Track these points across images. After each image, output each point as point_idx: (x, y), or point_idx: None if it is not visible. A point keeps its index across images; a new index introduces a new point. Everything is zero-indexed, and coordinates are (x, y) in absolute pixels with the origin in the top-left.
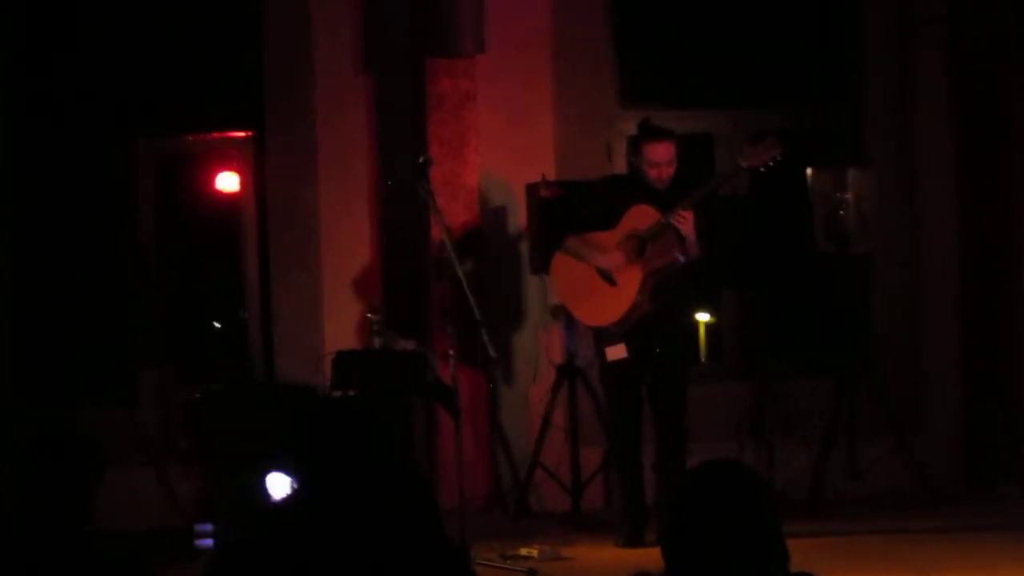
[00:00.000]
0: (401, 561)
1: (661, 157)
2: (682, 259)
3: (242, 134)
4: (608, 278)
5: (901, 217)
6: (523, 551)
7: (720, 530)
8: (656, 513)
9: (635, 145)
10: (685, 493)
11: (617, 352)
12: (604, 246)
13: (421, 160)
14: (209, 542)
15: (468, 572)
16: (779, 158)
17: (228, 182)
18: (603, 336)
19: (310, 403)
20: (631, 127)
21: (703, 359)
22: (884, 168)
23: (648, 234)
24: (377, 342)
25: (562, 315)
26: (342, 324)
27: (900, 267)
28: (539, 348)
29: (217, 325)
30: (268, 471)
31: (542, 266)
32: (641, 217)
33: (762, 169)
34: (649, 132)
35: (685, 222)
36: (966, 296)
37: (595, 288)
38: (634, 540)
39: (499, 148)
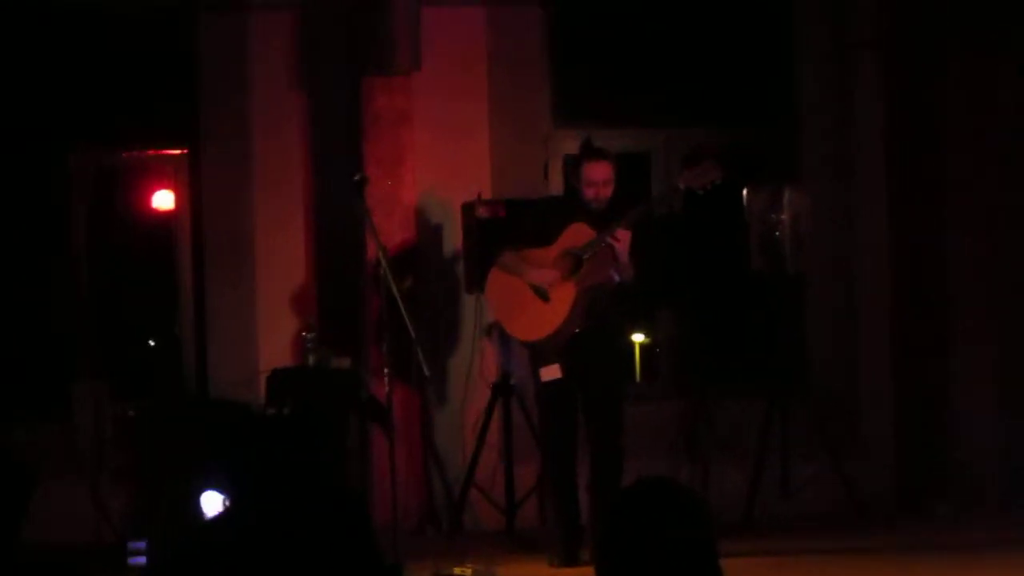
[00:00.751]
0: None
1: (598, 176)
2: (617, 278)
3: (177, 151)
4: (542, 294)
5: (836, 237)
6: (457, 570)
7: (655, 548)
8: (590, 532)
9: (574, 164)
10: (619, 511)
11: (551, 372)
12: (539, 262)
13: (357, 178)
14: (141, 559)
15: None
16: (719, 181)
17: (163, 199)
18: (538, 357)
19: (244, 420)
20: (567, 145)
21: (638, 379)
22: (820, 188)
23: (583, 252)
24: (311, 359)
25: (497, 333)
26: (277, 341)
27: (834, 287)
28: (473, 366)
29: (152, 342)
30: (201, 488)
31: (478, 285)
32: (577, 235)
33: (700, 192)
34: (588, 152)
35: (621, 242)
36: (899, 317)
37: (528, 303)
38: (568, 559)
39: (435, 166)
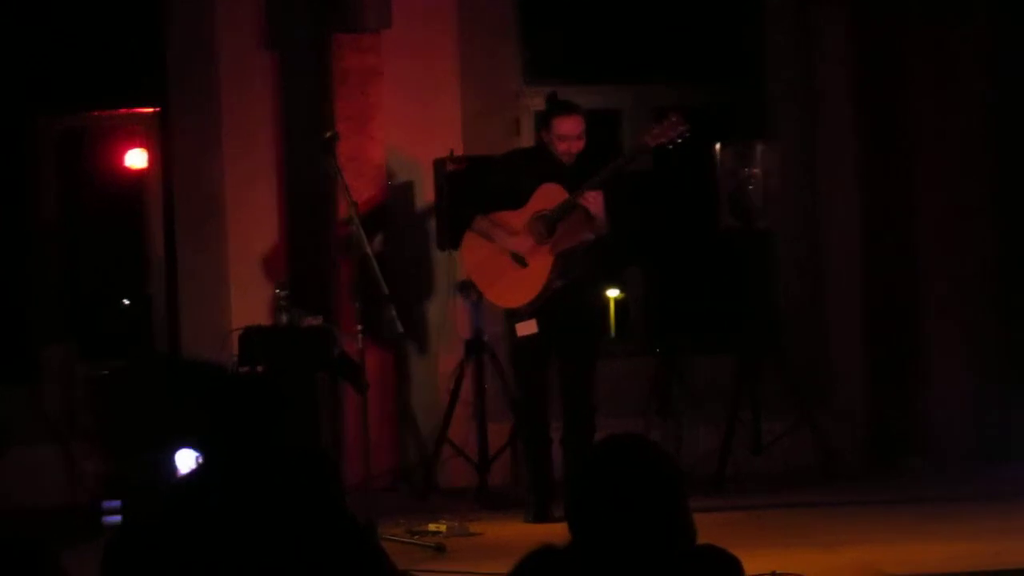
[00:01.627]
0: (305, 536)
1: (570, 131)
2: (592, 237)
3: (147, 110)
4: (519, 260)
5: (805, 193)
6: (431, 527)
7: (625, 503)
8: (564, 488)
9: (544, 119)
10: (590, 467)
11: (527, 328)
12: (513, 227)
13: (327, 135)
14: (116, 519)
15: (374, 547)
16: (686, 135)
17: (134, 158)
18: (514, 312)
19: (216, 379)
20: (537, 103)
21: (613, 334)
22: (790, 144)
23: (556, 214)
24: (284, 318)
25: (469, 291)
26: (249, 300)
27: (804, 243)
28: (446, 323)
29: (126, 302)
30: (174, 447)
31: (450, 242)
32: (549, 197)
33: (669, 147)
34: (558, 106)
35: (594, 202)
36: (869, 271)
37: (507, 270)
38: (542, 515)
39: (405, 124)
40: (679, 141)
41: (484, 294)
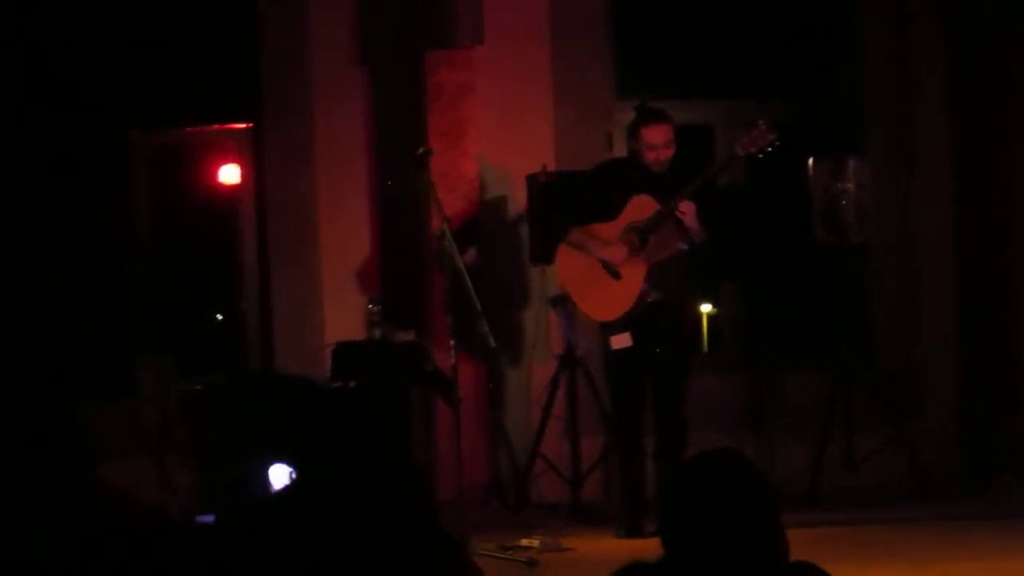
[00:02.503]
0: (397, 550)
1: (659, 139)
2: (685, 248)
3: (241, 126)
4: (613, 272)
5: (900, 207)
6: (523, 542)
7: (717, 519)
8: (656, 504)
9: (633, 129)
10: (683, 482)
11: (622, 341)
12: (606, 238)
13: (420, 151)
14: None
15: (465, 562)
16: (776, 143)
17: (227, 174)
18: (608, 325)
19: (309, 395)
20: (628, 117)
21: (705, 349)
22: (883, 158)
23: (650, 225)
24: (376, 333)
25: (562, 305)
26: (341, 315)
27: (897, 257)
28: (538, 338)
29: (219, 317)
30: (267, 462)
31: (543, 257)
32: (641, 208)
33: (759, 155)
34: (646, 115)
35: (687, 213)
36: (963, 286)
37: (601, 282)
38: (634, 530)
39: (498, 139)
40: (769, 150)
41: (578, 305)
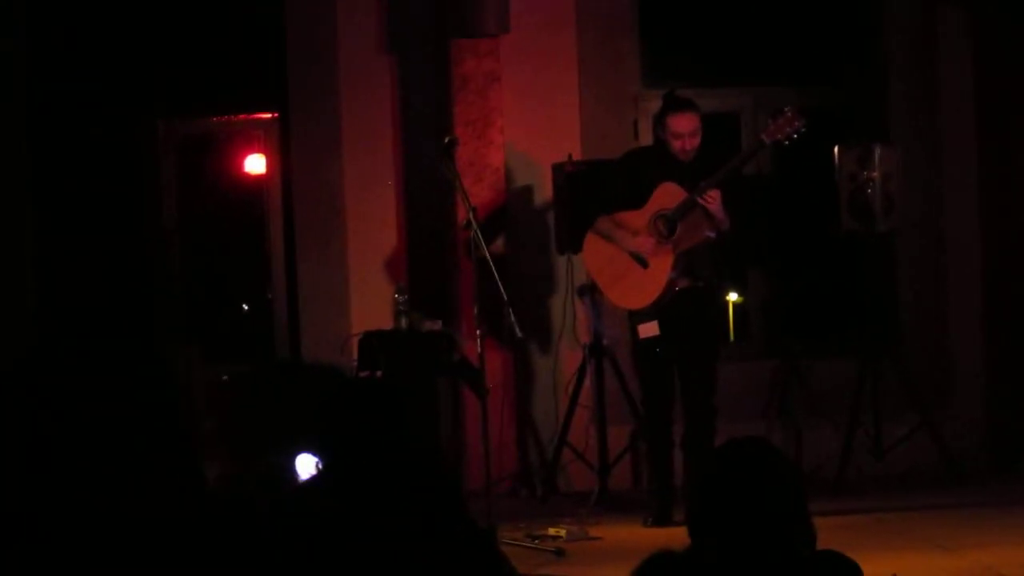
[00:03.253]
0: (426, 540)
1: (685, 128)
2: (712, 236)
3: (267, 115)
4: (641, 261)
5: (926, 195)
6: (551, 531)
7: (746, 508)
8: (684, 493)
9: (660, 118)
10: (712, 471)
11: (650, 329)
12: (634, 227)
13: (447, 140)
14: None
15: (494, 551)
16: (803, 130)
17: (253, 163)
18: (636, 313)
19: (336, 384)
20: (655, 106)
21: (731, 338)
22: (909, 146)
23: (676, 213)
24: (403, 322)
25: (589, 294)
26: (368, 305)
27: (924, 245)
28: (565, 328)
29: (245, 307)
30: (295, 452)
31: (570, 245)
32: (668, 196)
33: (786, 143)
34: (672, 104)
35: (712, 201)
36: (990, 274)
37: (628, 270)
38: (662, 519)
39: (524, 128)
40: (795, 137)
41: (606, 295)
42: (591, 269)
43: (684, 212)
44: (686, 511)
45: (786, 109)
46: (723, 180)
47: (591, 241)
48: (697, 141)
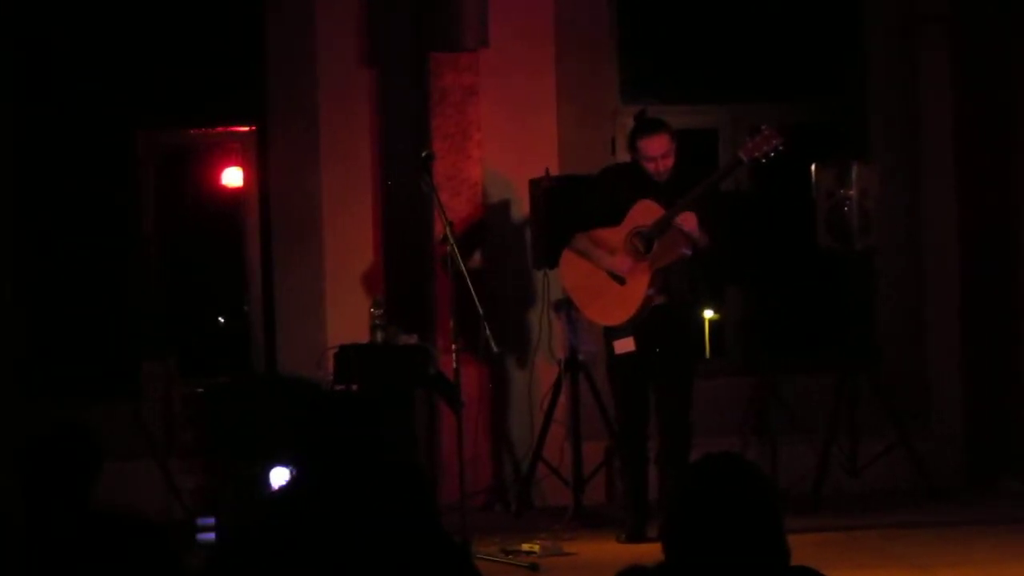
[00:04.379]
0: (400, 553)
1: (656, 151)
2: (688, 253)
3: (245, 128)
4: (618, 278)
5: (904, 213)
6: (525, 546)
7: (720, 523)
8: (658, 508)
9: (631, 140)
10: (687, 485)
11: (625, 345)
12: (611, 244)
13: (424, 154)
14: (211, 535)
15: (468, 566)
16: (781, 148)
17: (231, 176)
18: (612, 329)
19: (312, 397)
20: (633, 122)
21: (707, 355)
22: (887, 164)
23: (653, 231)
24: (379, 336)
25: (565, 309)
26: (345, 318)
27: (902, 263)
28: (541, 343)
29: (221, 320)
30: (270, 465)
31: (546, 261)
32: (645, 213)
33: (763, 161)
34: (642, 127)
35: (687, 222)
36: (968, 291)
37: (605, 288)
38: (637, 535)
39: (502, 142)
40: (772, 155)
41: (584, 312)
42: (568, 286)
43: (661, 230)
44: (660, 527)
45: (763, 127)
46: (700, 198)
47: (568, 258)
48: (671, 161)
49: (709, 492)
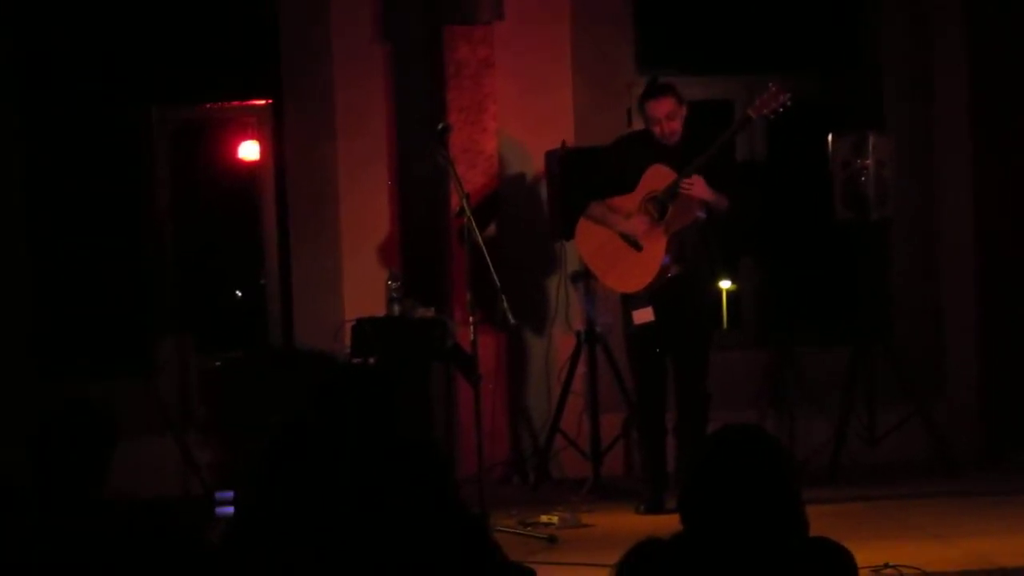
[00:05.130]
0: (418, 526)
1: (660, 112)
2: (703, 216)
3: (260, 102)
4: (634, 243)
5: (920, 184)
6: (543, 518)
7: (739, 495)
8: (676, 480)
9: (640, 104)
10: (706, 456)
11: (644, 316)
12: (625, 210)
13: (440, 127)
14: (229, 509)
15: (486, 538)
16: (788, 103)
17: (247, 150)
18: (630, 299)
19: (329, 370)
20: None
21: (724, 326)
22: (903, 135)
23: (667, 195)
24: (396, 309)
25: (582, 280)
26: (362, 291)
27: (918, 233)
28: (558, 314)
29: (239, 293)
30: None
31: (564, 232)
32: (658, 178)
33: (771, 116)
34: (649, 90)
35: (695, 187)
36: (984, 263)
37: (622, 254)
38: (655, 507)
39: (518, 115)
40: (781, 111)
41: (601, 280)
42: (585, 255)
43: (673, 194)
44: (678, 498)
45: (770, 84)
46: (712, 159)
47: (584, 227)
48: (677, 124)
49: (728, 463)
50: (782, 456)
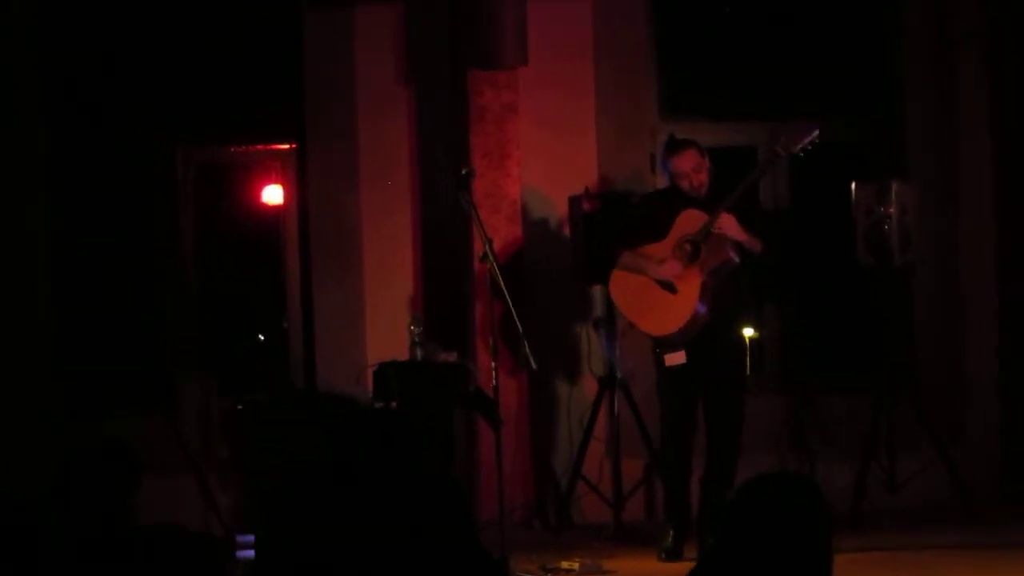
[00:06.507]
0: (438, 569)
1: (686, 166)
2: (736, 260)
3: (285, 146)
4: (668, 286)
5: (943, 231)
6: (564, 563)
7: (782, 543)
8: (697, 527)
9: (663, 163)
10: (752, 503)
11: (676, 358)
12: (658, 256)
13: (463, 172)
14: (250, 552)
15: None
16: (817, 140)
17: (271, 193)
18: (662, 343)
19: (351, 414)
20: None
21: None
22: (926, 182)
23: (699, 236)
24: (419, 353)
25: (603, 327)
26: (384, 335)
27: (940, 281)
28: (581, 360)
29: (261, 337)
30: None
31: (588, 277)
32: (690, 221)
33: (800, 154)
34: (670, 146)
35: (727, 224)
36: (1006, 310)
37: (656, 298)
38: (677, 553)
39: (541, 160)
40: (810, 148)
41: (637, 326)
42: (620, 304)
43: (706, 235)
44: (699, 544)
45: (799, 121)
46: (741, 198)
47: (617, 277)
48: (704, 176)
49: (771, 510)
50: (825, 508)
